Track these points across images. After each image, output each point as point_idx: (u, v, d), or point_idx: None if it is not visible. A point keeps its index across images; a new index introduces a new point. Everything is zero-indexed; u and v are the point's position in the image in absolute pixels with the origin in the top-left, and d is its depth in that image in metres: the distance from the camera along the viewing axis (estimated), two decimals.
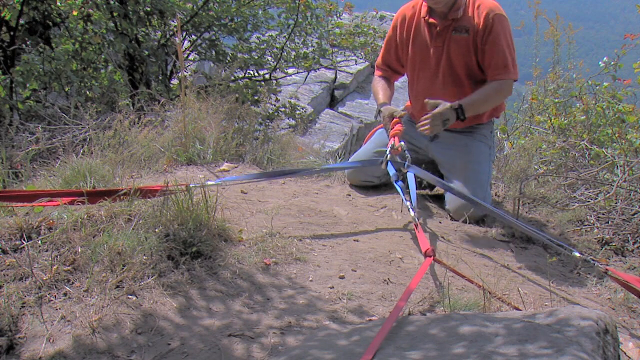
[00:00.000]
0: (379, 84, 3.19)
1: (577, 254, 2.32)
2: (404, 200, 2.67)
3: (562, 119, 4.24)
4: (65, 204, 2.25)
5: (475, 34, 2.88)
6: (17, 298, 1.84)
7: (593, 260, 2.29)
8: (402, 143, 2.87)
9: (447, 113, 2.79)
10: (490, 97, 2.92)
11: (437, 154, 3.14)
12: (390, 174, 2.85)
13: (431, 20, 2.95)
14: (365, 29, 7.75)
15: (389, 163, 2.89)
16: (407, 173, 2.81)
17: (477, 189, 2.96)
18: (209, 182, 2.56)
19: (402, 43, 3.08)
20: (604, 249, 2.91)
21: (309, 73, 7.74)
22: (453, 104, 2.80)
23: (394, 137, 2.91)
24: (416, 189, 3.12)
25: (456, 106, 2.80)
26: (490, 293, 2.00)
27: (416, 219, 2.50)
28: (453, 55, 2.95)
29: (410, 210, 2.56)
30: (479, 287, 2.06)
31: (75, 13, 4.64)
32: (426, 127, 2.80)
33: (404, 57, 3.12)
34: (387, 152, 2.91)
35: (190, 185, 2.26)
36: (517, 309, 2.03)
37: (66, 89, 4.48)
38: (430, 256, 2.14)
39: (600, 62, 4.39)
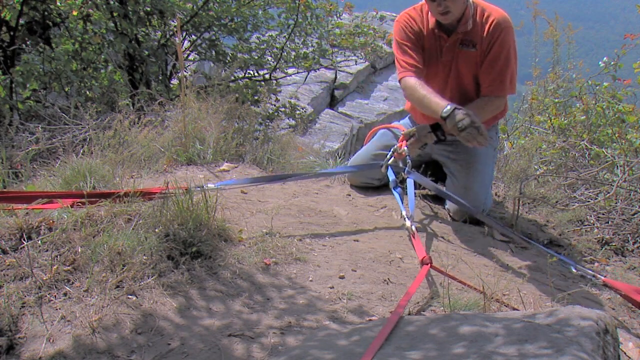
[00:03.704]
0: (425, 88, 2.80)
1: (574, 270, 2.31)
2: (402, 208, 2.65)
3: (562, 119, 4.24)
4: (66, 206, 2.24)
5: (482, 48, 2.83)
6: (17, 298, 1.84)
7: (591, 276, 2.28)
8: (406, 149, 2.86)
9: (423, 139, 2.88)
10: (477, 114, 2.86)
11: (441, 156, 3.13)
12: (390, 179, 2.84)
13: (440, 34, 2.89)
14: (365, 29, 7.75)
15: (389, 168, 2.89)
16: (407, 179, 2.80)
17: (480, 190, 2.95)
18: (207, 186, 2.55)
19: (415, 45, 2.95)
20: (604, 249, 2.91)
21: (309, 73, 7.73)
22: (432, 124, 2.85)
23: (401, 142, 2.90)
24: (417, 189, 3.13)
25: (433, 126, 2.84)
26: (488, 296, 1.99)
27: (413, 228, 2.47)
28: (461, 69, 2.90)
29: (407, 220, 2.54)
30: (478, 291, 2.06)
31: (75, 13, 4.64)
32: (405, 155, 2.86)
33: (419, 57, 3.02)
34: (389, 156, 2.90)
35: (190, 189, 2.26)
36: (516, 309, 2.03)
37: (66, 89, 4.48)
38: (427, 264, 2.14)
39: (600, 62, 4.39)
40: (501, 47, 2.81)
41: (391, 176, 2.85)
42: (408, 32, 2.93)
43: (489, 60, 2.84)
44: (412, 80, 2.84)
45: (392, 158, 2.90)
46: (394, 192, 2.78)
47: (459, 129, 2.61)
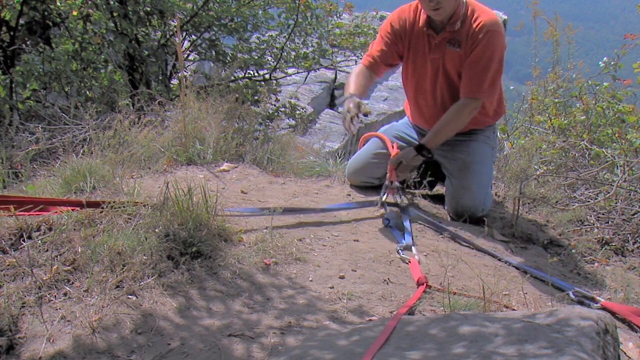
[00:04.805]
0: (356, 74, 3.05)
1: (573, 296, 2.26)
2: (400, 241, 2.51)
3: (562, 119, 4.24)
4: (66, 210, 2.23)
5: (467, 48, 2.84)
6: (17, 298, 1.84)
7: (589, 299, 2.24)
8: (397, 183, 2.88)
9: (409, 162, 2.92)
10: (453, 121, 2.92)
11: (439, 156, 3.12)
12: (384, 220, 2.72)
13: (429, 32, 2.91)
14: (365, 29, 7.74)
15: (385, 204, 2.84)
16: (404, 218, 2.72)
17: (479, 190, 2.95)
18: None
19: (400, 43, 3.00)
20: (604, 249, 2.91)
21: (309, 73, 7.73)
22: (416, 145, 2.92)
23: (391, 172, 2.89)
24: (417, 189, 3.13)
25: (417, 147, 2.92)
26: (488, 296, 1.99)
27: (414, 255, 2.36)
28: (449, 67, 2.92)
29: (400, 252, 2.39)
30: (478, 298, 2.04)
31: (75, 13, 4.64)
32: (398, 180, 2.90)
33: (397, 58, 3.06)
34: (382, 192, 2.88)
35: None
36: (516, 309, 2.03)
37: (66, 89, 4.48)
38: (423, 284, 2.12)
39: (600, 62, 4.39)
40: (484, 50, 2.81)
41: (387, 215, 2.75)
42: (394, 25, 3.00)
43: (470, 61, 2.84)
44: (358, 67, 3.11)
45: (387, 194, 2.86)
46: (390, 230, 2.66)
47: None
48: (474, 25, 2.81)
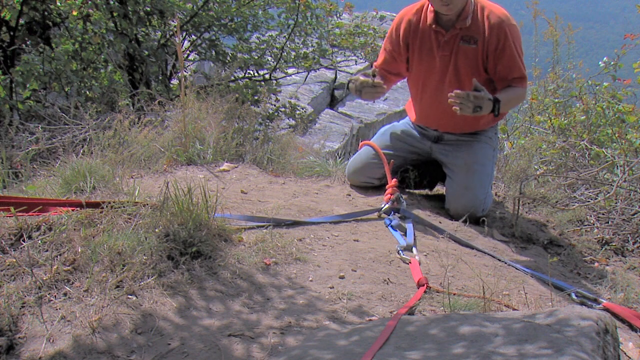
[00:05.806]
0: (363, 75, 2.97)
1: (575, 297, 2.27)
2: (400, 241, 2.50)
3: (562, 119, 4.24)
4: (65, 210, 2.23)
5: (485, 45, 2.84)
6: (17, 298, 1.84)
7: (592, 301, 2.24)
8: (396, 195, 2.84)
9: (482, 101, 2.66)
10: (517, 100, 3.03)
11: (441, 156, 3.13)
12: (386, 221, 2.73)
13: (438, 29, 2.90)
14: (365, 29, 7.75)
15: (385, 214, 2.80)
16: (407, 222, 2.69)
17: (479, 190, 2.96)
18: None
19: (404, 49, 3.01)
20: (604, 249, 2.91)
21: (309, 73, 7.74)
22: (493, 97, 2.71)
23: (390, 196, 2.85)
24: (416, 188, 3.12)
25: (494, 99, 2.71)
26: (488, 296, 1.99)
27: (414, 256, 2.36)
28: (461, 65, 2.90)
29: (400, 252, 2.38)
30: (478, 297, 2.04)
31: (75, 13, 4.65)
32: (457, 102, 2.65)
33: (404, 65, 3.06)
34: (383, 203, 2.83)
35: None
36: (516, 309, 2.03)
37: (66, 89, 4.49)
38: (424, 285, 2.12)
39: (600, 62, 4.39)
40: (511, 44, 2.82)
41: (388, 220, 2.75)
42: (398, 30, 3.00)
43: (505, 58, 2.84)
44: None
45: (388, 205, 2.81)
46: (391, 230, 2.66)
47: (360, 93, 2.89)
48: (490, 21, 2.82)
